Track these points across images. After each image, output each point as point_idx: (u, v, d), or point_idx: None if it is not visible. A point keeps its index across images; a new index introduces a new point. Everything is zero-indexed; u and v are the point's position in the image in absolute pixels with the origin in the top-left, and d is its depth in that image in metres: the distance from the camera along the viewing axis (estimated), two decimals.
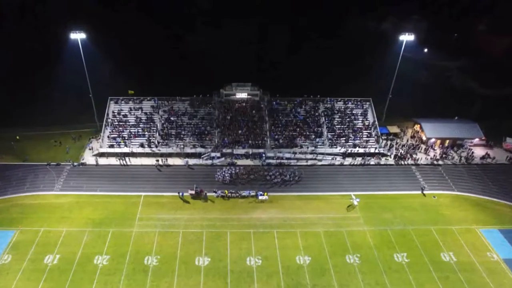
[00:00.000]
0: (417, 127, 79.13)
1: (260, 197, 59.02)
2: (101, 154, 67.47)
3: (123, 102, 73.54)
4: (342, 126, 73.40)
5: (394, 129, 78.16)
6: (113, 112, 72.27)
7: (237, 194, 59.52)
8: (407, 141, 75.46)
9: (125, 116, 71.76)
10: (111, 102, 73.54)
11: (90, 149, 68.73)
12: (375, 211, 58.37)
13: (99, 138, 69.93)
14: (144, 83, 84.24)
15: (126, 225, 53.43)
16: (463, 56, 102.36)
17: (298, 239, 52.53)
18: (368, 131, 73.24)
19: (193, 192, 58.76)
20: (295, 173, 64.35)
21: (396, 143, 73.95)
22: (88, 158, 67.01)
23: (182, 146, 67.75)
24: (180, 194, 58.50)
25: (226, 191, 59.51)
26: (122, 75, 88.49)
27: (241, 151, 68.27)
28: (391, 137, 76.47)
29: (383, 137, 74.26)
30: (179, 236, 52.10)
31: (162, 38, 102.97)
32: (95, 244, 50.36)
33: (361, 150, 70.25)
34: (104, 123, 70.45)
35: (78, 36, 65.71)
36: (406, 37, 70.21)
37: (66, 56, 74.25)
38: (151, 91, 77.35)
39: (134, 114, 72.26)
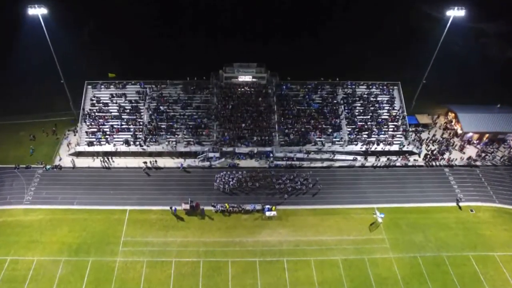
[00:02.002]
0: (451, 116, 67.00)
1: (267, 213, 49.42)
2: (79, 154, 56.89)
3: (102, 87, 60.75)
4: (365, 117, 61.55)
5: (424, 118, 65.97)
6: (91, 99, 59.93)
7: (240, 209, 50.07)
8: (442, 134, 63.48)
9: (105, 105, 59.59)
10: (89, 87, 60.87)
11: (68, 145, 57.59)
12: (402, 230, 49.03)
13: (77, 131, 58.90)
14: (127, 63, 71.68)
15: (108, 252, 44.45)
16: (502, 18, 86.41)
17: (313, 270, 43.70)
18: (395, 123, 61.73)
19: (187, 207, 49.25)
20: (308, 180, 54.12)
21: (428, 139, 62.58)
22: (64, 157, 56.25)
23: (174, 143, 56.95)
24: (173, 209, 49.17)
25: (227, 204, 49.72)
26: (100, 54, 75.29)
27: (244, 149, 57.53)
28: (420, 128, 64.86)
29: (411, 129, 62.96)
30: (171, 267, 43.18)
31: (146, 7, 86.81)
32: (71, 278, 41.65)
33: (385, 148, 59.05)
34: (80, 115, 58.69)
35: (37, 11, 51.78)
36: (455, 12, 55.53)
37: (28, 35, 60.49)
38: (136, 73, 64.89)
39: (116, 102, 60.04)
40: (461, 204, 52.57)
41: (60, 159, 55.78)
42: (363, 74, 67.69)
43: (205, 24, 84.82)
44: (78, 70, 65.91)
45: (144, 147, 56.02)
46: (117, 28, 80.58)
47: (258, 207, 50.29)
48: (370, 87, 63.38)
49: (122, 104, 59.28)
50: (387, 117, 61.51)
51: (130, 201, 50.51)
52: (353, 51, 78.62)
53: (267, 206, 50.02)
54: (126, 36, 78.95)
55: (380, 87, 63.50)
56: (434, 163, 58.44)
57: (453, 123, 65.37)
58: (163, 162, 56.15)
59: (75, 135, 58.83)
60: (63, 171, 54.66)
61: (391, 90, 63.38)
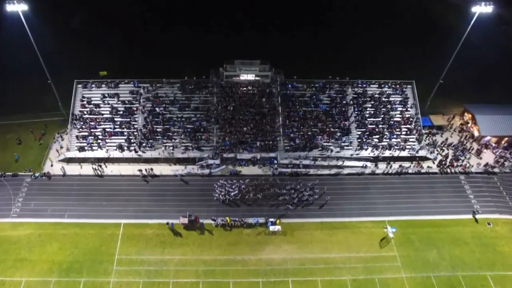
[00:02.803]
0: (467, 116, 62.76)
1: (271, 228, 46.30)
2: (69, 160, 53.22)
3: (93, 86, 56.15)
4: (376, 120, 57.50)
5: (439, 119, 61.76)
6: (81, 100, 55.61)
7: (242, 223, 47.11)
8: (460, 139, 58.77)
9: (97, 106, 55.31)
10: (78, 86, 56.35)
11: (57, 150, 53.79)
12: (415, 246, 45.97)
13: (67, 135, 54.77)
14: (119, 60, 67.33)
15: (101, 272, 41.60)
16: None
17: None
18: (408, 126, 57.67)
19: (185, 221, 46.10)
20: (314, 190, 50.43)
21: (442, 143, 58.40)
22: (54, 163, 52.53)
23: (171, 148, 53.14)
24: (170, 224, 46.06)
25: (228, 218, 46.51)
26: (89, 50, 70.31)
27: (246, 155, 53.87)
28: (434, 131, 60.82)
29: (424, 132, 58.92)
30: None
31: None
32: None
33: (397, 153, 55.01)
34: (70, 116, 54.48)
35: (17, 7, 46.84)
36: (482, 9, 50.31)
37: (9, 33, 55.82)
38: (129, 71, 60.30)
39: (108, 103, 55.76)
40: (477, 216, 49.33)
41: (52, 165, 52.30)
42: (375, 71, 63.38)
43: (205, 17, 78.93)
44: (66, 68, 61.76)
45: (139, 152, 52.46)
46: (109, 21, 75.41)
47: (261, 220, 47.20)
48: (382, 86, 58.91)
49: (115, 105, 55.06)
50: (399, 119, 57.64)
51: (125, 214, 47.35)
52: (364, 46, 73.19)
53: (271, 220, 46.96)
54: (119, 31, 73.92)
55: (393, 86, 59.03)
56: (448, 170, 55.31)
57: (469, 125, 61.31)
58: (159, 169, 52.59)
59: (62, 140, 55.00)
60: (53, 180, 51.15)
61: (404, 90, 59.16)
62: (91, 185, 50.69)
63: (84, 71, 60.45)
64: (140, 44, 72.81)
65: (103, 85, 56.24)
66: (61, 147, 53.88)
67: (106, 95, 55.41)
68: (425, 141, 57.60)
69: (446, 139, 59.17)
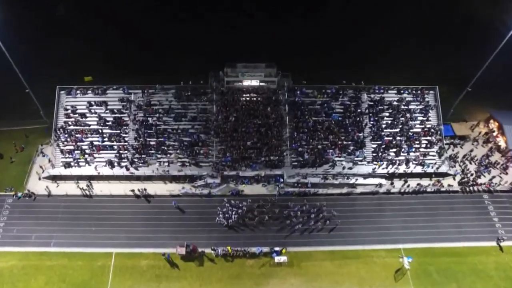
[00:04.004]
0: (494, 125, 57.58)
1: (276, 259, 42.98)
2: (54, 177, 49.01)
3: (78, 92, 50.94)
4: (393, 131, 52.66)
5: (462, 129, 56.68)
6: (65, 109, 50.60)
7: (245, 252, 43.74)
8: (489, 153, 53.13)
9: (83, 115, 50.43)
10: (61, 93, 51.01)
11: (41, 166, 49.20)
12: (433, 280, 42.82)
13: (56, 135, 49.79)
14: (106, 63, 60.48)
15: None
16: None
17: None
18: (429, 137, 52.84)
19: (183, 251, 42.55)
20: (322, 211, 46.61)
21: (465, 156, 53.53)
22: (37, 181, 48.45)
23: (166, 164, 48.74)
24: (166, 256, 42.58)
25: (229, 248, 43.16)
26: (70, 52, 62.78)
27: (249, 173, 49.75)
28: (456, 141, 56.04)
29: (446, 142, 54.21)
30: None
31: None
32: None
33: (415, 169, 50.60)
34: (53, 129, 49.69)
35: None
36: None
37: None
38: (118, 75, 54.77)
39: (95, 112, 50.76)
40: (502, 244, 45.96)
41: (40, 178, 48.23)
42: (393, 74, 57.69)
43: (203, 10, 70.71)
44: (46, 72, 56.31)
45: (131, 169, 48.37)
46: (93, 17, 67.52)
47: (266, 249, 43.93)
48: (402, 92, 53.50)
49: (103, 115, 50.22)
50: (419, 130, 52.82)
51: (116, 242, 43.98)
52: (383, 46, 65.38)
53: (276, 249, 43.70)
54: (101, 29, 65.92)
55: (413, 92, 53.67)
56: (471, 188, 51.20)
57: (495, 135, 56.50)
58: (153, 188, 48.54)
59: (44, 156, 50.20)
60: (37, 201, 47.28)
61: (425, 96, 53.76)
62: (79, 207, 46.96)
63: (66, 76, 55.32)
64: (130, 44, 64.80)
65: (89, 92, 51.02)
66: (42, 166, 49.05)
67: (93, 103, 50.49)
68: (446, 153, 53.48)
69: (472, 150, 54.17)
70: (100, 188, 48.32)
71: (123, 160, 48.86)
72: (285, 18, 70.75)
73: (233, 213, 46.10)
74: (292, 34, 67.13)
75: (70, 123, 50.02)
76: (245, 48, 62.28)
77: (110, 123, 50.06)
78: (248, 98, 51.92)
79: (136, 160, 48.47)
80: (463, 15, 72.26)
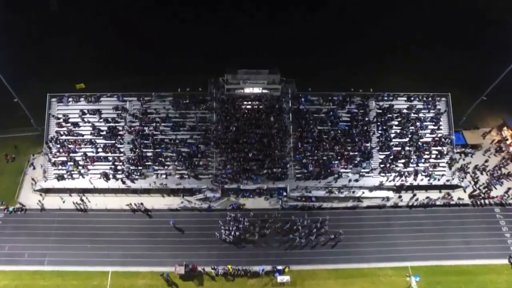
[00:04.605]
0: (507, 132, 55.22)
1: (279, 278, 41.67)
2: (47, 190, 47.37)
3: (70, 100, 48.72)
4: (402, 141, 50.65)
5: (474, 137, 54.48)
6: (56, 117, 48.46)
7: (246, 271, 42.33)
8: (502, 163, 51.04)
9: (75, 124, 48.34)
10: (52, 100, 48.80)
11: (33, 179, 47.41)
12: None
13: (47, 146, 48.05)
14: (99, 69, 57.65)
15: None
16: None
17: None
18: (439, 147, 50.85)
19: (181, 270, 41.14)
20: (324, 225, 44.98)
21: (476, 167, 51.71)
22: (29, 194, 46.72)
23: (164, 177, 46.84)
24: (165, 275, 40.97)
25: (230, 267, 41.84)
26: (60, 57, 59.88)
27: (251, 186, 47.94)
28: (468, 150, 54.11)
29: (457, 151, 52.13)
30: None
31: None
32: None
33: (423, 181, 48.89)
34: (44, 141, 47.79)
35: None
36: None
37: None
38: (112, 82, 52.62)
39: (88, 121, 48.65)
40: None
41: (43, 198, 46.37)
42: (403, 79, 55.32)
43: (202, 10, 67.36)
44: (35, 79, 54.24)
45: (127, 182, 46.66)
46: (82, 20, 64.26)
47: (268, 268, 42.68)
48: (412, 99, 51.14)
49: (97, 125, 48.23)
50: (430, 139, 50.77)
51: (112, 259, 42.63)
52: (392, 49, 62.37)
53: (279, 268, 42.47)
54: (93, 32, 62.60)
55: (424, 99, 51.39)
56: (482, 201, 49.54)
57: (508, 143, 54.50)
58: (151, 202, 46.87)
59: (34, 169, 48.25)
60: (29, 215, 45.80)
61: (437, 104, 51.52)
62: (73, 222, 45.45)
63: (56, 82, 52.91)
64: (125, 48, 61.36)
65: (82, 99, 48.80)
66: (34, 179, 47.14)
67: (86, 111, 48.31)
68: (457, 162, 51.64)
69: (487, 161, 52.16)
70: (95, 201, 46.76)
71: (119, 172, 47.29)
72: (286, 18, 67.26)
73: (234, 228, 44.95)
74: (293, 35, 64.06)
75: (62, 133, 48.00)
76: (245, 49, 59.86)
77: (104, 133, 48.12)
78: (249, 106, 49.72)
79: (132, 172, 46.93)
80: (481, 16, 68.37)
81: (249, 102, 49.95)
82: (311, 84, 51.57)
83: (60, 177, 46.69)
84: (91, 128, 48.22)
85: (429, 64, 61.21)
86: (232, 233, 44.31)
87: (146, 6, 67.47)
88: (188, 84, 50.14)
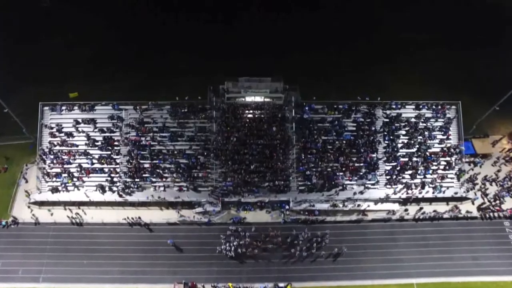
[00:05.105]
0: None
1: None
2: (42, 203, 46.04)
3: (63, 109, 47.02)
4: (409, 151, 48.92)
5: (484, 146, 52.66)
6: (50, 127, 46.86)
7: None
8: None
9: (69, 134, 46.73)
10: (45, 109, 47.10)
11: (27, 191, 46.01)
12: None
13: (41, 159, 46.42)
14: (93, 71, 55.65)
15: None
16: None
17: None
18: (448, 158, 49.23)
19: None
20: (325, 240, 43.93)
21: (486, 178, 50.15)
22: (23, 207, 45.51)
23: (162, 189, 45.50)
24: None
25: (230, 285, 41.00)
26: (52, 58, 57.44)
27: (252, 199, 46.64)
28: (477, 159, 52.48)
29: (466, 160, 50.62)
30: None
31: None
32: None
33: (429, 193, 47.64)
34: (38, 154, 46.23)
35: None
36: None
37: None
38: (106, 84, 51.10)
39: (83, 131, 47.01)
40: None
41: (32, 210, 45.19)
42: (413, 87, 53.22)
43: (202, 13, 64.47)
44: (25, 83, 52.48)
45: (124, 195, 45.34)
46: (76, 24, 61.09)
47: (270, 285, 41.84)
48: (421, 107, 49.19)
49: (92, 135, 46.66)
50: (438, 150, 49.16)
51: (109, 276, 41.92)
52: (403, 51, 59.95)
53: (281, 285, 41.57)
54: (86, 37, 60.11)
55: (433, 107, 49.57)
56: (491, 214, 48.39)
57: None
58: (149, 216, 45.85)
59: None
60: (23, 229, 44.87)
61: (447, 112, 49.60)
62: (69, 236, 44.54)
63: (48, 87, 51.11)
64: (119, 54, 58.75)
65: (75, 108, 47.05)
66: (29, 191, 45.65)
67: (80, 120, 46.70)
68: (467, 173, 50.05)
69: (499, 171, 50.59)
70: (91, 214, 45.67)
71: (115, 184, 46.05)
72: (289, 22, 64.35)
73: (235, 243, 43.82)
74: (297, 40, 61.06)
75: (55, 143, 46.60)
76: (246, 53, 57.72)
77: (99, 143, 46.65)
78: (251, 116, 47.96)
79: (129, 186, 45.55)
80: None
81: (251, 111, 48.13)
82: (316, 91, 49.38)
83: (54, 190, 45.49)
84: (85, 138, 46.69)
85: (439, 67, 58.49)
86: (233, 248, 43.41)
87: (145, 5, 65.13)
88: (186, 91, 48.03)
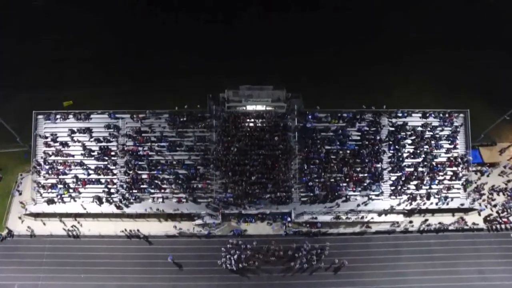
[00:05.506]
0: None
1: None
2: (37, 215, 45.17)
3: (58, 117, 45.70)
4: (415, 161, 47.78)
5: (492, 154, 51.29)
6: (44, 137, 45.67)
7: None
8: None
9: (64, 144, 45.54)
10: (39, 117, 45.76)
11: (22, 205, 44.77)
12: None
13: (35, 171, 45.15)
14: (87, 74, 53.70)
15: None
16: None
17: None
18: (455, 168, 48.13)
19: None
20: (324, 252, 43.23)
21: (493, 188, 49.17)
22: (18, 219, 44.64)
23: (160, 201, 44.51)
24: None
25: None
26: (44, 60, 55.36)
27: (253, 211, 45.65)
28: (485, 168, 51.31)
29: (473, 169, 49.41)
30: None
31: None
32: None
33: (434, 203, 46.46)
34: (32, 161, 45.05)
35: None
36: None
37: None
38: (102, 98, 49.37)
39: (78, 141, 45.83)
40: None
41: (23, 221, 44.47)
42: (420, 93, 51.77)
43: (202, 13, 61.93)
44: (17, 89, 50.83)
45: (122, 207, 44.24)
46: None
47: None
48: (427, 115, 47.92)
49: (88, 144, 45.41)
50: (445, 159, 47.97)
51: None
52: (410, 57, 57.21)
53: None
54: (78, 42, 57.62)
55: (440, 115, 48.22)
56: (498, 226, 47.52)
57: None
58: (147, 227, 45.05)
59: (20, 194, 45.81)
60: (18, 242, 44.04)
61: (454, 121, 48.29)
62: (66, 249, 43.78)
63: (42, 95, 49.43)
64: (115, 61, 56.23)
65: (70, 117, 45.76)
66: (23, 202, 44.54)
67: (76, 130, 45.44)
68: (475, 183, 48.75)
69: (510, 181, 49.39)
70: (88, 227, 44.87)
71: (113, 196, 45.01)
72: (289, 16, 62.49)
73: (236, 256, 43.03)
74: (299, 46, 58.42)
75: (50, 153, 45.37)
76: (245, 48, 56.14)
77: (95, 153, 45.50)
78: (252, 125, 46.64)
79: (127, 198, 44.45)
80: None
81: (252, 120, 46.81)
82: (316, 92, 48.81)
83: (50, 201, 44.46)
84: (81, 148, 45.53)
85: (447, 71, 56.17)
86: (234, 261, 42.70)
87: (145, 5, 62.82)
88: (186, 94, 47.38)
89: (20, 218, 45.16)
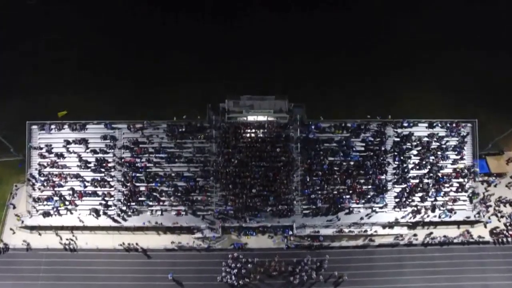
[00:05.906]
0: None
1: None
2: (33, 227, 44.35)
3: (53, 128, 44.52)
4: (420, 172, 46.69)
5: (500, 164, 50.19)
6: (39, 148, 44.55)
7: None
8: None
9: (59, 155, 44.46)
10: (33, 128, 44.54)
11: (18, 218, 43.86)
12: None
13: (30, 184, 44.24)
14: (84, 93, 51.62)
15: None
16: None
17: None
18: (461, 179, 47.09)
19: None
20: (324, 266, 42.66)
21: (500, 199, 48.42)
22: (15, 232, 44.03)
23: (159, 214, 43.56)
24: None
25: None
26: (37, 63, 53.69)
27: (254, 224, 44.90)
28: (492, 178, 50.19)
29: (479, 179, 48.52)
30: None
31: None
32: None
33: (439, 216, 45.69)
34: (26, 173, 44.10)
35: None
36: None
37: None
38: (99, 107, 48.15)
39: (74, 152, 44.65)
40: None
41: (14, 232, 43.87)
42: (427, 106, 50.31)
43: (202, 13, 60.04)
44: (9, 95, 49.43)
45: (119, 220, 43.56)
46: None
47: None
48: (434, 125, 46.75)
49: (84, 156, 44.38)
50: (451, 170, 47.01)
51: None
52: (417, 62, 55.64)
53: None
54: (81, 35, 55.86)
55: (447, 125, 47.00)
56: (504, 239, 46.73)
57: None
58: (146, 241, 44.31)
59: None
60: (14, 256, 43.26)
61: (462, 131, 47.05)
62: (63, 263, 43.08)
63: (35, 101, 48.25)
64: (112, 69, 53.96)
65: (66, 127, 44.54)
66: (19, 215, 43.68)
67: (71, 141, 44.28)
68: (482, 194, 47.75)
69: None
70: (85, 240, 44.13)
71: (110, 208, 44.28)
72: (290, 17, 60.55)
73: (236, 270, 42.40)
74: (295, 34, 57.39)
75: (45, 164, 44.41)
76: (245, 48, 54.88)
77: (92, 165, 44.56)
78: (253, 135, 45.43)
79: (125, 211, 43.71)
80: None
81: (253, 130, 45.54)
82: (317, 93, 47.53)
83: (46, 214, 43.67)
84: (77, 160, 44.52)
85: (456, 77, 54.62)
86: (234, 276, 42.22)
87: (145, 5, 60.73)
88: (184, 109, 45.66)
89: (11, 229, 44.33)
